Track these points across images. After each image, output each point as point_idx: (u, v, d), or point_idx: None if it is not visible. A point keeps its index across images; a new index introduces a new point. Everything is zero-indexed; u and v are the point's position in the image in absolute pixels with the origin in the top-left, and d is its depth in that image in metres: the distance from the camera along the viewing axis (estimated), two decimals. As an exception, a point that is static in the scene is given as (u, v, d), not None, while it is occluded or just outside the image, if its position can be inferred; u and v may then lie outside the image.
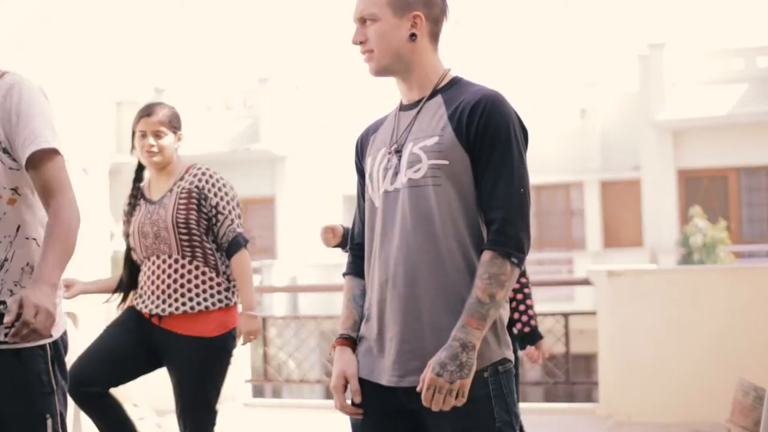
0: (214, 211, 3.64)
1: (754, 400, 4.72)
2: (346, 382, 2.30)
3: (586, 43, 23.18)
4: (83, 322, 5.17)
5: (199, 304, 3.61)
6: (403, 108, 2.36)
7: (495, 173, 2.19)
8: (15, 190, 2.43)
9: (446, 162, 2.20)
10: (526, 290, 3.86)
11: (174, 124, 3.70)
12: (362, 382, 2.29)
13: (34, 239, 2.48)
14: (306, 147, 19.68)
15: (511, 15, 22.78)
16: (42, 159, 2.35)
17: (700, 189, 18.88)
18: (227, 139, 20.20)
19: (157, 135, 3.65)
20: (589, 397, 11.79)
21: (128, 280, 3.78)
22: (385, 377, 2.24)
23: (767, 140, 18.13)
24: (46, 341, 2.44)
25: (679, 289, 6.01)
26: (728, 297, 5.85)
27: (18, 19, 5.47)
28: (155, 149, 3.64)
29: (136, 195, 3.75)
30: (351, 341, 2.33)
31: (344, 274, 2.45)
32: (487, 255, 2.15)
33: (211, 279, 3.64)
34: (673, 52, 18.89)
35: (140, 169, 3.78)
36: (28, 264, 2.45)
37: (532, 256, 20.47)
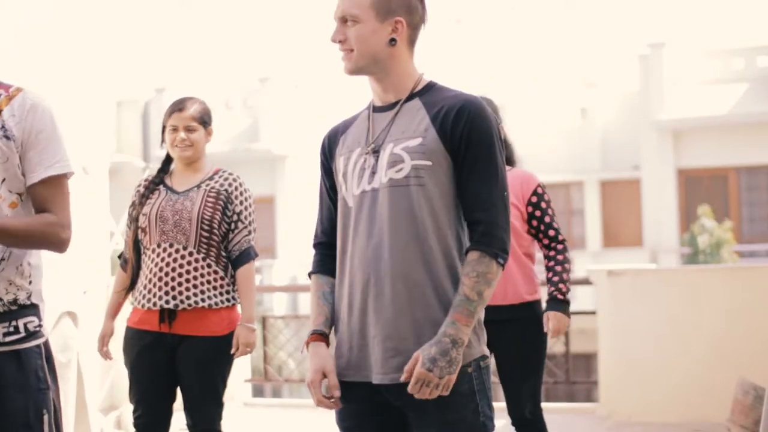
0: (236, 217, 3.68)
1: (754, 400, 4.73)
2: (323, 377, 2.31)
3: (586, 43, 23.17)
4: (83, 322, 5.17)
5: (209, 298, 3.64)
6: (376, 110, 2.38)
7: (481, 177, 2.24)
8: (20, 195, 2.51)
9: (429, 163, 2.24)
10: (567, 255, 3.85)
11: (205, 119, 3.74)
12: (345, 380, 2.31)
13: None
14: (306, 147, 19.69)
15: (511, 15, 22.77)
16: (55, 183, 2.48)
17: (701, 189, 18.89)
18: (227, 138, 20.21)
19: (189, 129, 3.69)
20: (589, 397, 11.78)
21: (136, 264, 3.74)
22: (371, 375, 2.27)
23: (767, 140, 18.14)
24: (41, 341, 2.51)
25: (679, 289, 6.01)
26: (728, 296, 5.85)
27: (18, 19, 5.47)
28: (187, 143, 3.68)
29: (158, 182, 3.75)
30: (325, 337, 2.35)
31: (311, 273, 2.46)
32: (474, 254, 2.20)
33: (221, 278, 3.67)
34: (673, 52, 18.89)
35: (168, 161, 3.79)
36: (21, 264, 2.51)
37: (532, 256, 20.49)
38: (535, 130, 21.03)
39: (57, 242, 2.48)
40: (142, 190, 3.76)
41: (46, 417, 2.49)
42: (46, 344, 2.57)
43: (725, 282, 6.01)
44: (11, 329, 2.48)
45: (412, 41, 2.36)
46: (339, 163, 2.38)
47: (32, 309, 2.54)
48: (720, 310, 5.83)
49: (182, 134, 3.68)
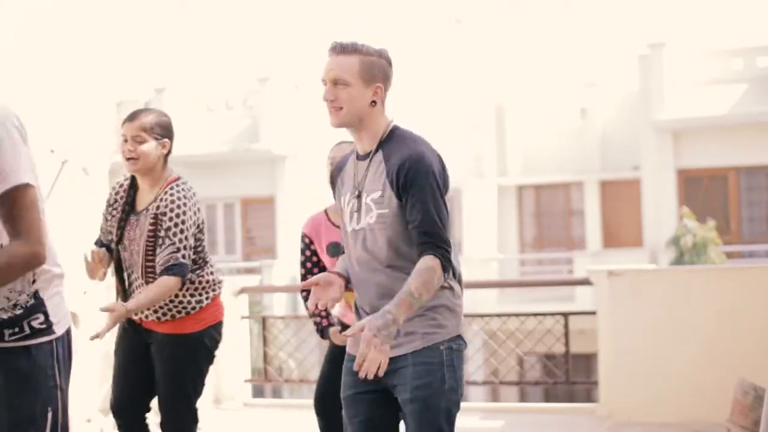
0: (162, 233, 3.55)
1: (754, 400, 4.73)
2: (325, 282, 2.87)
3: (586, 43, 23.14)
4: (83, 322, 5.17)
5: (179, 312, 3.67)
6: (358, 158, 2.89)
7: (417, 208, 2.78)
8: None
9: (387, 210, 2.79)
10: None
11: (158, 131, 3.59)
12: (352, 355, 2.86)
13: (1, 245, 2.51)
14: (306, 147, 19.70)
15: (511, 15, 22.76)
16: (12, 197, 2.37)
17: (700, 189, 18.88)
18: (227, 139, 20.21)
19: (137, 140, 3.55)
20: (589, 397, 11.79)
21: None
22: None
23: (767, 140, 18.14)
24: (53, 337, 2.51)
25: (679, 289, 6.00)
26: (728, 296, 5.85)
27: (18, 19, 5.47)
28: (133, 155, 3.54)
29: (130, 200, 3.68)
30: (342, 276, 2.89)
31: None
32: (427, 259, 2.74)
33: (187, 286, 3.68)
34: (673, 52, 18.89)
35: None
36: None
37: (532, 256, 20.50)
38: (535, 130, 21.02)
39: (28, 268, 2.41)
40: (120, 213, 3.69)
41: (50, 414, 2.49)
42: (61, 342, 2.57)
43: (725, 282, 6.00)
44: (16, 329, 2.49)
45: (384, 100, 2.87)
46: (341, 201, 2.94)
47: (38, 307, 2.54)
48: (720, 311, 5.83)
49: (129, 145, 3.54)
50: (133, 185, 3.71)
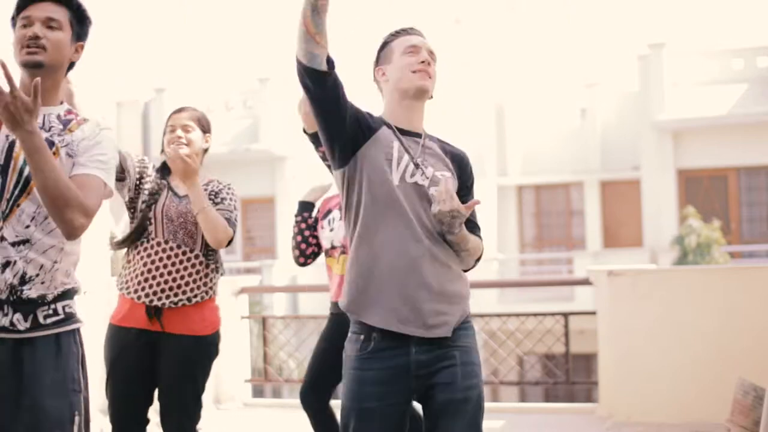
0: (219, 199, 3.75)
1: (754, 400, 4.73)
2: None
3: (586, 43, 23.17)
4: (83, 322, 5.16)
5: (195, 296, 3.69)
6: (403, 132, 2.89)
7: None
8: None
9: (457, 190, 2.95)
10: None
11: (204, 124, 3.86)
12: (384, 334, 2.77)
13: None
14: (306, 147, 19.70)
15: (511, 15, 22.76)
16: (85, 179, 2.70)
17: (700, 189, 18.89)
18: (227, 139, 20.22)
19: (186, 129, 3.80)
20: (589, 397, 11.80)
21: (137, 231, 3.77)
22: (418, 330, 2.77)
23: (767, 140, 18.14)
24: (76, 326, 2.68)
25: (679, 289, 6.00)
26: (728, 297, 5.85)
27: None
28: (183, 141, 3.77)
29: (163, 179, 3.81)
30: None
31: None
32: (480, 242, 3.02)
33: (212, 272, 3.75)
34: (673, 52, 18.89)
35: (165, 168, 3.84)
36: (68, 269, 2.73)
37: (532, 256, 20.49)
38: (535, 130, 21.03)
39: (75, 206, 2.60)
40: (151, 185, 3.78)
41: (77, 419, 2.58)
42: (82, 348, 2.69)
43: (725, 282, 6.00)
44: (50, 311, 2.64)
45: None
46: (381, 144, 2.82)
47: (71, 293, 2.70)
48: (720, 310, 5.83)
49: (179, 132, 3.79)
50: (162, 170, 3.84)
